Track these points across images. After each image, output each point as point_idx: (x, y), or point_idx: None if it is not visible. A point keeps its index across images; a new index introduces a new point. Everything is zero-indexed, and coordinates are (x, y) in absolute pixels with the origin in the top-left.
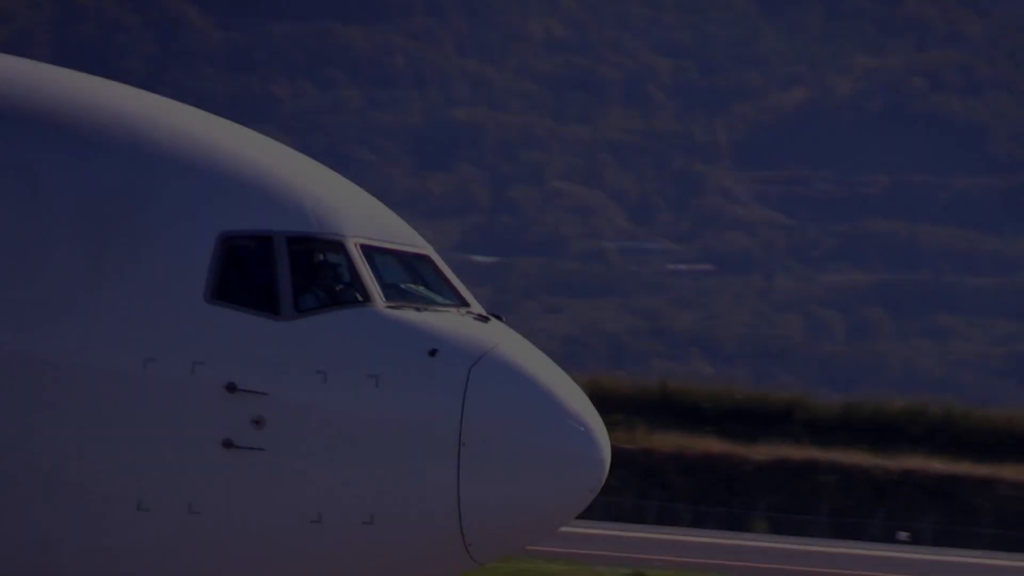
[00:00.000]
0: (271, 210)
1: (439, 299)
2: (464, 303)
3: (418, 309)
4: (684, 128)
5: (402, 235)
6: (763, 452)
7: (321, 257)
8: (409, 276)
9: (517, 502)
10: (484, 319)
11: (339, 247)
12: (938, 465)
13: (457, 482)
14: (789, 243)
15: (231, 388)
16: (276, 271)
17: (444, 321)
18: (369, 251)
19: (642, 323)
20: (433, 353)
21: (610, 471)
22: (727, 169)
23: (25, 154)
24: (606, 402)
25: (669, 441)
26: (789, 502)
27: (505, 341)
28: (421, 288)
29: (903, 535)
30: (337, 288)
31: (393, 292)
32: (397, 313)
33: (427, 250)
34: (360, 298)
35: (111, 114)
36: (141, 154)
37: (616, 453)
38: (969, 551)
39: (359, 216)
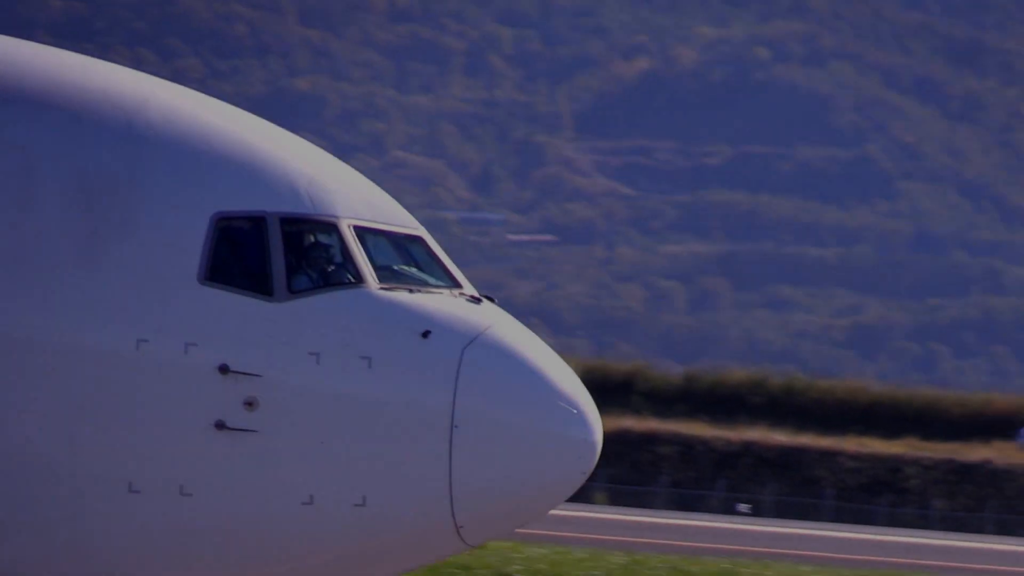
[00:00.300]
0: (264, 191)
1: (432, 280)
2: (457, 284)
3: (411, 291)
4: (526, 98)
5: (395, 216)
6: (603, 423)
7: (314, 238)
8: (401, 257)
9: (509, 484)
10: (477, 300)
11: (332, 228)
12: (779, 436)
13: (449, 464)
14: (630, 213)
15: (224, 369)
16: (269, 252)
17: (437, 303)
18: (362, 232)
19: (482, 293)
20: (426, 335)
21: None
22: (568, 139)
23: (18, 134)
24: None
25: None
26: (630, 473)
27: (498, 323)
28: (413, 269)
29: (743, 507)
30: (330, 269)
31: (386, 273)
32: (390, 295)
33: (420, 231)
34: (353, 279)
35: (103, 93)
36: (134, 134)
37: None
38: (811, 523)
39: (352, 197)
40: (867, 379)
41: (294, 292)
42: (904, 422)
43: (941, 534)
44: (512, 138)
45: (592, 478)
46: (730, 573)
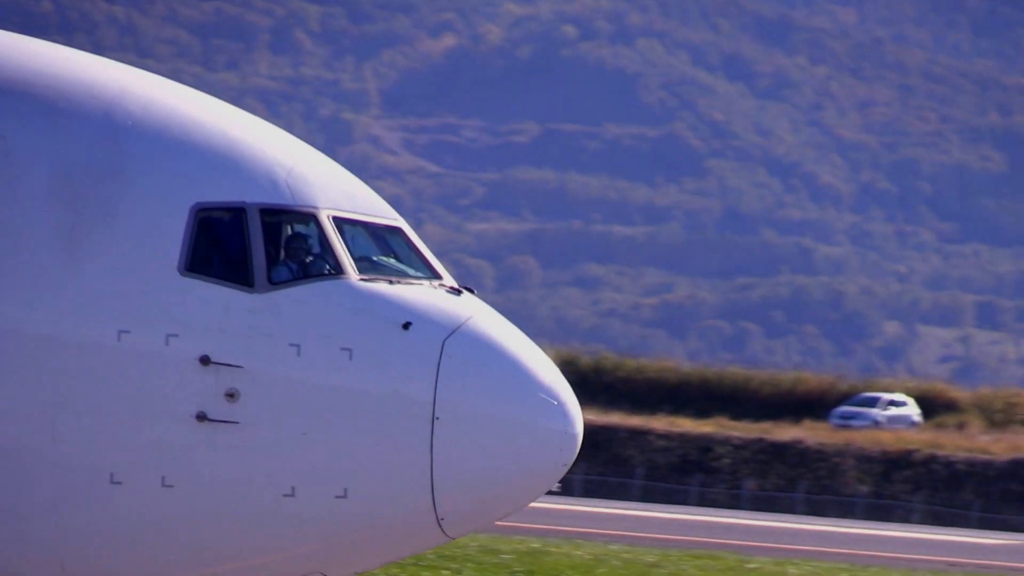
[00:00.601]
0: (244, 181)
1: (411, 271)
2: (436, 275)
3: (391, 282)
4: (332, 76)
5: (374, 207)
6: None
7: (294, 229)
8: (380, 248)
9: (490, 476)
10: (457, 292)
11: (312, 219)
12: (588, 415)
13: (431, 456)
14: (438, 191)
15: (205, 361)
16: (249, 243)
17: (417, 294)
18: (340, 223)
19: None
20: (407, 326)
21: None
22: (375, 117)
23: None
24: None
25: None
26: None
27: (478, 314)
28: (393, 260)
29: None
30: (310, 260)
31: (365, 264)
32: (370, 286)
33: (399, 222)
34: (333, 270)
35: (83, 84)
36: (113, 124)
37: None
38: (620, 502)
39: (332, 187)
40: (677, 358)
41: (274, 283)
42: (714, 401)
43: (752, 513)
44: (318, 116)
45: None
46: (540, 552)
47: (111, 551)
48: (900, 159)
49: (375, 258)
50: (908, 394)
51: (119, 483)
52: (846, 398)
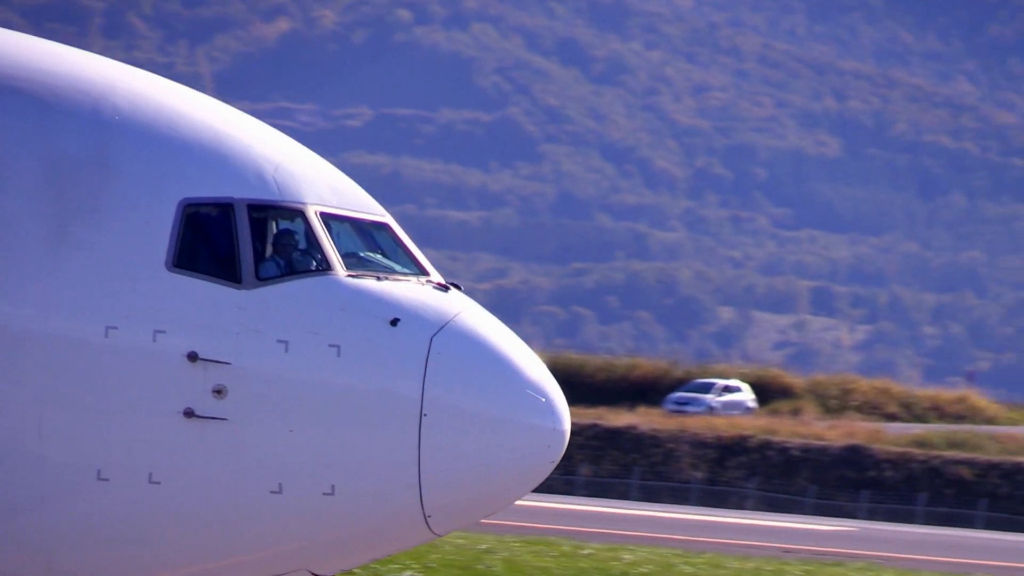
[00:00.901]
0: (231, 177)
1: (398, 268)
2: (424, 272)
3: (379, 278)
4: (166, 59)
5: (361, 203)
6: None
7: (282, 225)
8: (367, 244)
9: (478, 474)
10: (444, 288)
11: (300, 215)
12: None
13: (418, 453)
14: None
15: (192, 357)
16: (237, 239)
17: (405, 290)
18: (327, 218)
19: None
20: (395, 323)
21: None
22: None
23: None
24: None
25: None
26: None
27: (466, 311)
28: (379, 256)
29: None
30: (298, 256)
31: (352, 261)
32: (358, 282)
33: (386, 218)
34: (321, 267)
35: (70, 79)
36: (101, 119)
37: None
38: None
39: (319, 183)
40: None
41: (262, 279)
42: None
43: (586, 499)
44: None
45: None
46: None
47: (98, 548)
48: (735, 144)
49: (362, 254)
50: (743, 380)
51: (106, 480)
52: (680, 384)
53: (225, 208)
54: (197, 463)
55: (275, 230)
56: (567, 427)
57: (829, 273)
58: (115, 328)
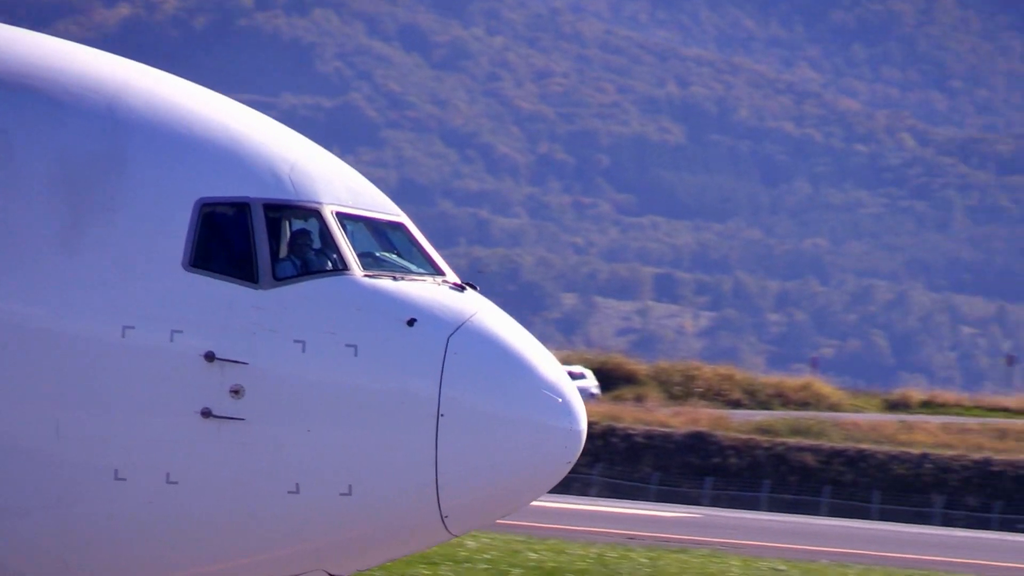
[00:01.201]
0: (247, 177)
1: (414, 268)
2: (440, 272)
3: (395, 278)
4: None
5: (377, 203)
6: None
7: (298, 224)
8: (382, 244)
9: (494, 474)
10: (460, 288)
11: (316, 214)
12: None
13: (435, 453)
14: None
15: (209, 357)
16: (254, 239)
17: (421, 290)
18: (343, 218)
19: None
20: (411, 323)
21: None
22: None
23: None
24: None
25: None
26: None
27: (482, 311)
28: (395, 256)
29: None
30: (314, 256)
31: (369, 261)
32: (375, 282)
33: (401, 218)
34: (338, 266)
35: (84, 78)
36: (116, 119)
37: None
38: None
39: (335, 183)
40: None
41: (279, 279)
42: None
43: None
44: None
45: None
46: None
47: (115, 548)
48: (578, 130)
49: (378, 254)
50: (586, 366)
51: (123, 480)
52: None
53: (241, 208)
54: (214, 463)
55: (292, 230)
56: (584, 427)
57: (672, 260)
58: (132, 328)
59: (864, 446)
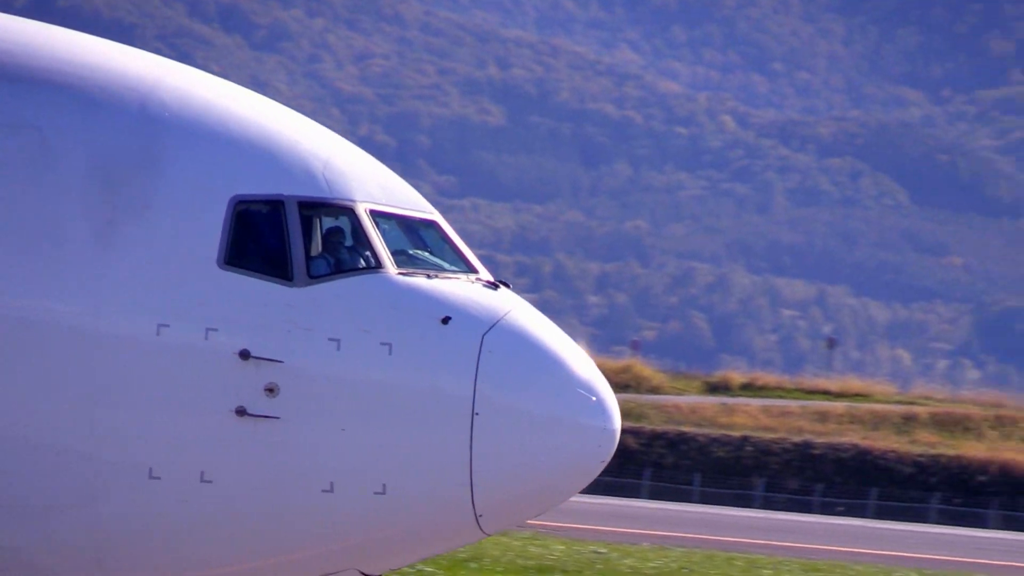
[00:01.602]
0: (282, 174)
1: (447, 265)
2: (473, 270)
3: (429, 276)
4: None
5: (410, 200)
6: None
7: (332, 222)
8: (415, 242)
9: (529, 473)
10: (494, 286)
11: (350, 212)
12: None
13: (470, 452)
14: None
15: (244, 355)
16: (288, 236)
17: (455, 288)
18: (376, 216)
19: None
20: (446, 321)
21: None
22: None
23: (35, 117)
24: None
25: None
26: None
27: (516, 309)
28: (428, 254)
29: None
30: (348, 254)
31: (402, 258)
32: (409, 280)
33: (435, 216)
34: (372, 264)
35: (118, 75)
36: (150, 116)
37: None
38: None
39: (369, 181)
40: None
41: (313, 277)
42: None
43: None
44: None
45: None
46: None
47: (149, 546)
48: (398, 112)
49: (411, 252)
50: None
51: (158, 478)
52: None
53: (276, 205)
54: (249, 462)
55: (326, 227)
56: (617, 426)
57: (493, 242)
58: (167, 326)
59: (685, 429)
